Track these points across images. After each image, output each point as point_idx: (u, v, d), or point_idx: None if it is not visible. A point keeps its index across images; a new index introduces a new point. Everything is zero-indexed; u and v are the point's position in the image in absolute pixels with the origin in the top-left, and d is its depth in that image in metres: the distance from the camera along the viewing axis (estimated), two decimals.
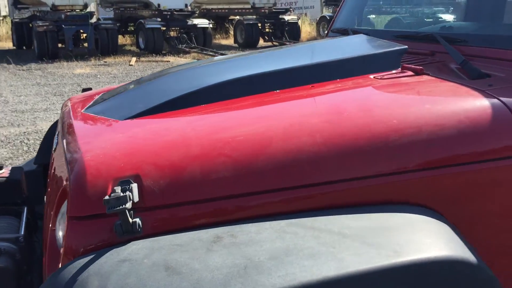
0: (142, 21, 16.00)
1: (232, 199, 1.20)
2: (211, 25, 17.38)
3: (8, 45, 18.53)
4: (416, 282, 1.06)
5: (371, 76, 1.68)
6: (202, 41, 16.28)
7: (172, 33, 16.45)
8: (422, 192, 1.28)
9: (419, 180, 1.28)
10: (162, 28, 15.82)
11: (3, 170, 1.82)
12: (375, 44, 1.96)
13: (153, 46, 15.49)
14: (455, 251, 1.11)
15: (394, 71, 1.72)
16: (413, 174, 1.28)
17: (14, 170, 1.84)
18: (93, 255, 1.07)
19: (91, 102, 1.85)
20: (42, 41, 14.20)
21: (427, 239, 1.14)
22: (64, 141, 1.50)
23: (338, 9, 2.80)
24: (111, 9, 17.84)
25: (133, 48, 17.47)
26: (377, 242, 1.11)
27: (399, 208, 1.25)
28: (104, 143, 1.36)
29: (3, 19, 21.95)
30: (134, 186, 1.14)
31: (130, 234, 1.11)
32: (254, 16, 17.99)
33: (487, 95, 1.41)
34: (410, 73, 1.68)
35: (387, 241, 1.11)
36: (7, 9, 21.42)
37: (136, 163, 1.21)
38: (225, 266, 1.02)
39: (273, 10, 18.34)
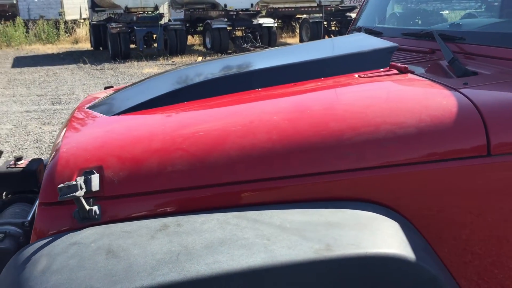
0: (209, 21, 16.43)
1: (185, 191, 1.27)
2: (276, 24, 17.50)
3: (87, 46, 19.73)
4: (342, 277, 1.08)
5: (356, 75, 1.68)
6: (267, 40, 16.44)
7: (238, 33, 16.76)
8: (377, 190, 1.29)
9: (374, 178, 1.29)
10: (228, 28, 16.16)
11: (22, 161, 2.00)
12: (369, 42, 1.95)
13: (219, 45, 15.86)
14: (391, 248, 1.11)
15: (381, 70, 1.71)
16: (367, 172, 1.29)
17: (32, 161, 2.02)
18: (50, 238, 1.18)
19: (99, 99, 1.99)
20: (115, 42, 14.98)
21: (367, 235, 1.15)
22: (59, 134, 1.65)
23: (360, 7, 2.78)
24: (182, 10, 18.49)
25: (201, 48, 17.98)
26: (314, 236, 1.13)
27: (350, 204, 1.26)
28: (83, 136, 1.48)
29: (83, 22, 23.37)
30: (95, 176, 1.25)
31: (88, 221, 1.22)
32: (320, 15, 17.88)
33: (457, 94, 1.38)
34: (394, 71, 1.67)
35: (324, 236, 1.14)
36: (87, 12, 22.77)
37: (101, 156, 1.31)
38: (160, 252, 1.09)
39: (340, 8, 18.13)
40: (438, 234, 1.32)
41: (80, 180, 1.21)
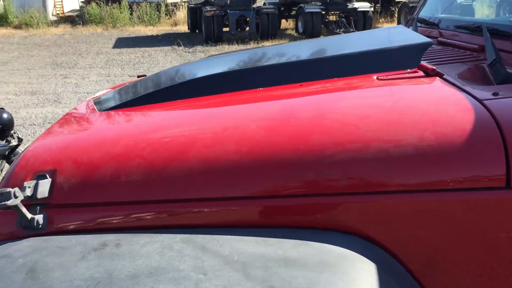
0: (302, 5, 16.09)
1: (137, 205, 1.13)
2: (372, 9, 16.72)
3: (184, 28, 20.29)
4: None
5: (374, 77, 1.43)
6: (361, 25, 15.78)
7: (331, 17, 16.26)
8: (360, 220, 1.06)
9: (357, 205, 1.06)
10: (321, 12, 15.72)
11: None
12: (402, 37, 1.66)
13: (311, 30, 15.50)
14: None
15: (407, 71, 1.44)
16: (350, 197, 1.06)
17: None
18: None
19: (111, 91, 1.91)
20: (208, 25, 15.21)
21: (327, 280, 0.93)
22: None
23: None
24: None
25: (293, 33, 17.72)
26: (260, 276, 0.94)
27: (323, 236, 1.05)
28: (59, 134, 1.39)
29: (183, 5, 24.07)
30: (45, 181, 1.15)
31: (31, 230, 1.12)
32: None
33: (478, 107, 1.09)
34: (420, 73, 1.39)
35: (272, 276, 0.94)
36: None
37: (59, 158, 1.21)
38: (81, 278, 0.96)
39: None
40: (432, 274, 1.07)
41: (29, 185, 1.12)
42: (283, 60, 1.57)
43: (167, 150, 1.16)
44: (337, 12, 16.15)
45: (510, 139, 1.01)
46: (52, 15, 24.06)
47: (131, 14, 22.00)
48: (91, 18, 21.41)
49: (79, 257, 1.03)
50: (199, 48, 14.23)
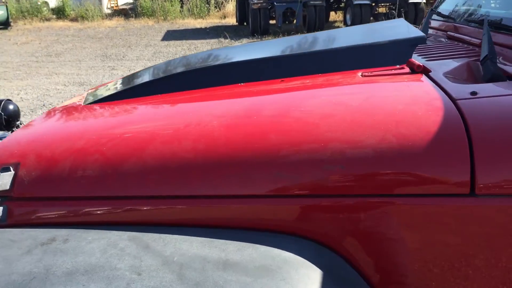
0: None
1: (90, 201, 1.12)
2: (424, 0, 16.14)
3: (233, 21, 20.38)
4: None
5: (359, 73, 1.35)
6: (412, 18, 15.27)
7: (381, 9, 15.84)
8: (313, 222, 1.01)
9: (310, 207, 1.01)
10: (371, 4, 15.35)
11: None
12: (397, 31, 1.56)
13: (360, 22, 15.15)
14: None
15: (394, 67, 1.35)
16: (303, 200, 1.01)
17: None
18: None
19: (109, 83, 1.92)
20: (255, 18, 15.19)
21: (261, 286, 0.88)
22: None
23: None
24: None
25: (341, 25, 17.41)
26: (194, 278, 0.91)
27: (272, 238, 1.00)
28: (34, 127, 1.40)
29: None
30: (7, 174, 1.16)
31: None
32: None
33: (450, 107, 1.00)
34: (407, 70, 1.30)
35: (207, 279, 0.90)
36: None
37: (25, 151, 1.22)
38: (20, 273, 0.96)
39: None
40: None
41: None
42: (269, 54, 1.52)
43: (125, 146, 1.14)
44: (387, 4, 15.71)
45: (478, 143, 0.92)
46: (107, 8, 24.81)
47: (181, 6, 22.33)
48: (143, 11, 21.91)
49: (25, 251, 1.03)
50: (245, 40, 14.24)
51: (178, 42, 14.49)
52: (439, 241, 0.98)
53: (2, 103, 1.97)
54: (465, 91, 1.07)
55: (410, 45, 1.41)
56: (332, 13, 18.54)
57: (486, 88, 1.08)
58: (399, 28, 1.59)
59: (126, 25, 19.73)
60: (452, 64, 1.36)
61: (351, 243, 1.00)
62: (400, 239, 0.99)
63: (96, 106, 1.47)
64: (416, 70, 1.29)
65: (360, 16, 15.13)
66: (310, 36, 1.81)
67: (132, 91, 1.50)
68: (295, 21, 15.61)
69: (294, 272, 0.93)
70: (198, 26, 19.28)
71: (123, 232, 1.07)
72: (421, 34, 1.42)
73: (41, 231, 1.10)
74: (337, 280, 0.96)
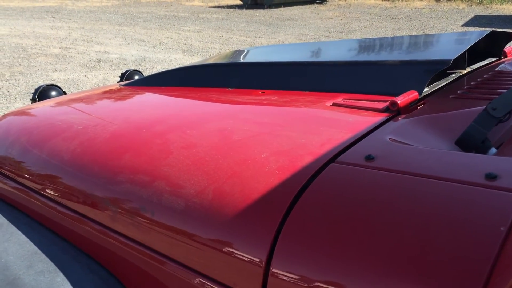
0: None
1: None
2: None
3: None
4: None
5: (340, 98, 1.01)
6: None
7: None
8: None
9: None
10: None
11: None
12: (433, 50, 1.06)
13: None
14: None
15: (386, 97, 0.96)
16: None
17: None
18: None
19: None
20: None
21: None
22: None
23: None
24: None
25: None
26: None
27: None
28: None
29: None
30: None
31: None
32: None
33: (309, 168, 0.70)
34: (382, 105, 0.92)
35: None
36: None
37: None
38: None
39: None
40: None
41: None
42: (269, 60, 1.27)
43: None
44: None
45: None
46: None
47: None
48: None
49: None
50: None
51: (480, 29, 13.12)
52: None
53: (41, 88, 1.88)
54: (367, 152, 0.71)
55: (426, 70, 0.96)
56: None
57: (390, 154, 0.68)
58: (446, 45, 1.08)
59: (434, 7, 18.85)
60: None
61: None
62: None
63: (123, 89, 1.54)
64: (391, 108, 0.90)
65: None
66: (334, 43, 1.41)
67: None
68: None
69: None
70: None
71: None
72: (446, 59, 0.94)
73: None
74: None
